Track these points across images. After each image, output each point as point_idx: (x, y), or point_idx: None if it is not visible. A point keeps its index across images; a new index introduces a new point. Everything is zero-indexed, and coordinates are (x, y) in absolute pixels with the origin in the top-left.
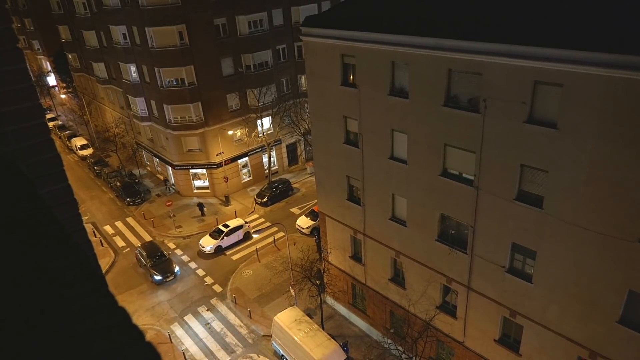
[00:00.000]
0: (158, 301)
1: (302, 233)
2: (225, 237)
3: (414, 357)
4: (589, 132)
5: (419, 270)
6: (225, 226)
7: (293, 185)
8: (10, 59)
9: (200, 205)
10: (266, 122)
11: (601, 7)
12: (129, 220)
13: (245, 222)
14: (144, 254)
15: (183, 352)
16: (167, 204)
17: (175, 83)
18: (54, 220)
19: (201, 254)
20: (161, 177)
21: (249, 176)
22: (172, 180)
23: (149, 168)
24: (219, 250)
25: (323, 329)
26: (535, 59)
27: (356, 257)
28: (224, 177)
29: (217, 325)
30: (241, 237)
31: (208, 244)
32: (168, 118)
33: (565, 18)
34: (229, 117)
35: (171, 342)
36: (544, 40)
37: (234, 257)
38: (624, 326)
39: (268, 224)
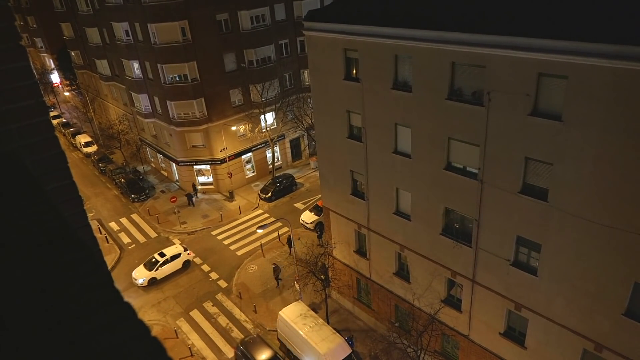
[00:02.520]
0: (164, 297)
1: (306, 228)
2: (160, 268)
3: (419, 351)
4: (594, 124)
5: (424, 264)
6: (162, 255)
7: (297, 180)
8: (14, 57)
9: (189, 196)
10: (269, 118)
11: None
12: (134, 216)
13: (185, 249)
14: (252, 357)
15: (189, 347)
16: (172, 200)
17: (178, 79)
18: (59, 217)
19: (133, 287)
20: (165, 176)
21: (253, 171)
22: (177, 177)
23: (153, 164)
24: (153, 283)
25: (328, 323)
26: (540, 51)
27: (360, 251)
28: (228, 173)
29: (222, 321)
30: (179, 266)
31: (141, 276)
32: (171, 114)
33: (570, 9)
34: (233, 113)
35: (177, 337)
36: (548, 31)
37: (239, 253)
38: (630, 318)
39: (272, 219)
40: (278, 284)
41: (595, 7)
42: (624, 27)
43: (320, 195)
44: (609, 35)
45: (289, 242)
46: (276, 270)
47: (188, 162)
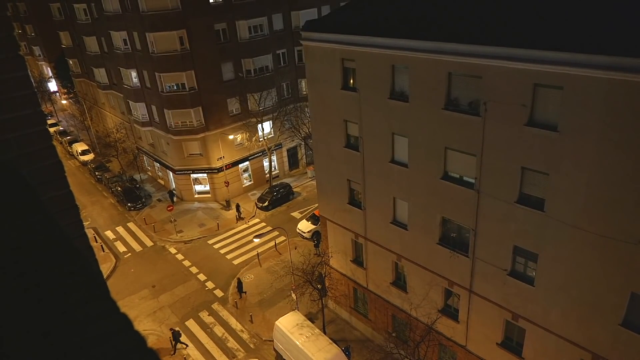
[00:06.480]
0: (159, 306)
1: (303, 237)
2: None
3: None
4: (589, 134)
5: (421, 273)
6: None
7: (294, 189)
8: (12, 66)
9: (170, 193)
10: (267, 127)
11: (600, 9)
12: (130, 225)
13: None
14: None
15: (185, 358)
16: (168, 208)
17: (175, 88)
18: (55, 226)
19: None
20: (162, 184)
21: (250, 180)
22: (174, 185)
23: (149, 173)
24: None
25: (325, 333)
26: (535, 62)
27: (357, 260)
28: (225, 182)
29: (218, 330)
30: None
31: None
32: (169, 123)
33: (565, 20)
34: (230, 122)
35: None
36: (543, 43)
37: (235, 262)
38: (627, 329)
39: (269, 228)
40: (175, 351)
41: (590, 19)
42: (618, 38)
43: (317, 205)
44: (603, 47)
45: (239, 286)
46: (175, 334)
47: (185, 170)
